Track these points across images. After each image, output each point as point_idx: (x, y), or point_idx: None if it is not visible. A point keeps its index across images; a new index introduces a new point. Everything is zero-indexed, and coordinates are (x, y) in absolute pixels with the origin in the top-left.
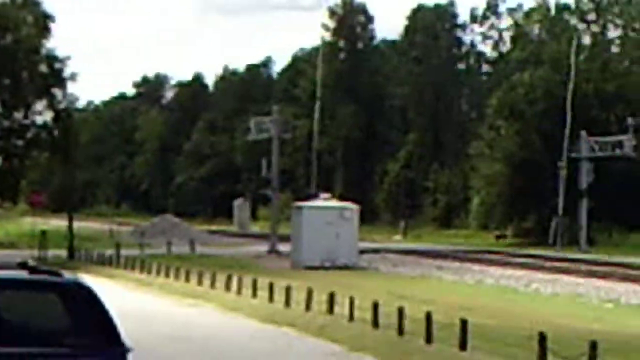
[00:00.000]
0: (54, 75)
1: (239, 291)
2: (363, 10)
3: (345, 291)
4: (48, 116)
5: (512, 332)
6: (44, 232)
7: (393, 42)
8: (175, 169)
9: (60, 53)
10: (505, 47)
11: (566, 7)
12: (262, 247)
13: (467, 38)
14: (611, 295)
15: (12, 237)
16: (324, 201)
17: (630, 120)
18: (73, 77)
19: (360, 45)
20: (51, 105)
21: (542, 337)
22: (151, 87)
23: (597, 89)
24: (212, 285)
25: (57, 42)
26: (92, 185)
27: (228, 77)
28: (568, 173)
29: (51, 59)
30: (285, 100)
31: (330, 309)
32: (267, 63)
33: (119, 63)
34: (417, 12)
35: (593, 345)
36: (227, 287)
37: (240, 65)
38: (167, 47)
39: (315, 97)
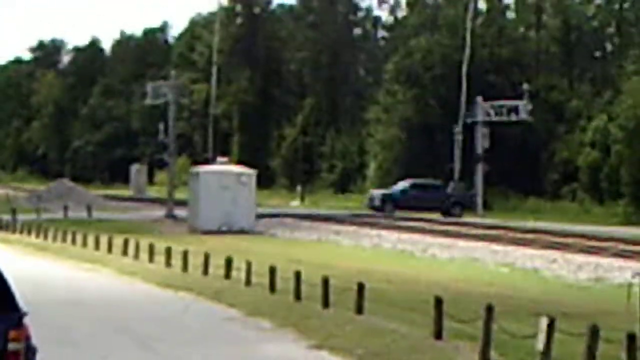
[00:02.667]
0: None
1: (136, 256)
2: None
3: (242, 256)
4: None
5: (408, 297)
6: None
7: (290, 7)
8: (72, 134)
9: None
10: (402, 12)
11: None
12: (159, 212)
13: (363, 3)
14: (506, 260)
15: None
16: (221, 166)
17: (525, 86)
18: None
19: (257, 10)
20: None
21: (439, 301)
22: (47, 51)
23: (493, 54)
24: (109, 250)
25: None
26: None
27: (125, 42)
28: (464, 138)
29: None
30: (183, 65)
31: (227, 274)
32: (164, 28)
33: (14, 27)
34: None
35: (489, 309)
36: (124, 252)
37: (137, 30)
38: (63, 11)
39: (212, 62)
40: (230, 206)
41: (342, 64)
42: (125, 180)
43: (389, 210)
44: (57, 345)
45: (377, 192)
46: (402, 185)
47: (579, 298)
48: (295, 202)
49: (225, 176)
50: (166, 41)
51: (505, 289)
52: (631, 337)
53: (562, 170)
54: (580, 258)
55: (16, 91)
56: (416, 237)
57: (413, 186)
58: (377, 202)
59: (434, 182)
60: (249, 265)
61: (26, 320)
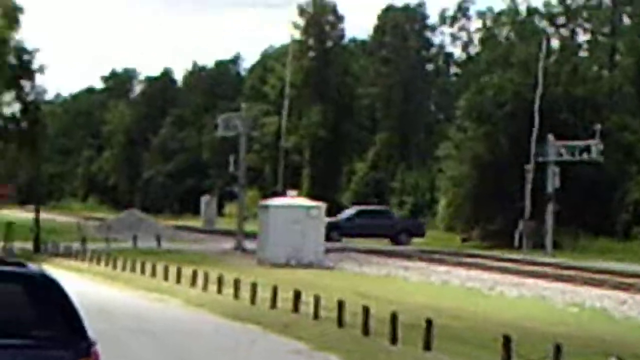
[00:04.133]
0: (23, 67)
1: (204, 287)
2: (333, 9)
3: (311, 289)
4: (16, 108)
5: (477, 334)
6: (10, 224)
7: (362, 41)
8: (143, 164)
9: (29, 45)
10: (475, 49)
11: (536, 11)
12: (229, 244)
13: (436, 39)
14: (576, 299)
15: None
16: (291, 199)
17: (598, 125)
18: (42, 69)
19: (329, 44)
20: (19, 97)
21: (507, 340)
22: (120, 81)
23: (566, 92)
24: (178, 280)
25: (26, 34)
26: (59, 178)
27: (197, 73)
28: (535, 176)
29: (20, 50)
30: (254, 98)
31: (296, 307)
32: (236, 60)
33: (88, 56)
34: (387, 12)
35: (557, 348)
36: (193, 283)
37: (209, 61)
38: (136, 41)
39: (284, 95)
40: (300, 239)
41: (414, 99)
42: (195, 211)
43: (335, 238)
44: None
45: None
46: (348, 212)
47: None
48: None
49: (294, 210)
50: (238, 73)
51: (573, 329)
52: None
53: (634, 210)
54: None
55: (88, 120)
56: (485, 274)
57: (359, 213)
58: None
59: (381, 208)
60: (317, 299)
61: (95, 349)
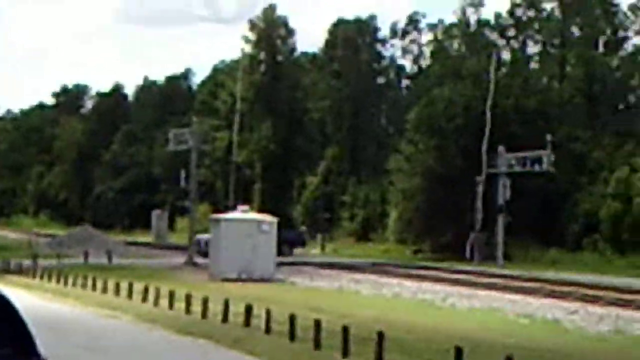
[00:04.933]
0: None
1: (156, 302)
2: (284, 23)
3: (262, 303)
4: None
5: (428, 346)
6: None
7: (313, 55)
8: (94, 179)
9: None
10: (426, 61)
11: (486, 23)
12: (180, 259)
13: (387, 52)
14: (527, 310)
15: None
16: (242, 213)
17: (548, 136)
18: None
19: (280, 58)
20: None
21: (459, 351)
22: (71, 96)
23: (517, 104)
24: (129, 296)
25: None
26: (9, 194)
27: (148, 88)
28: (486, 188)
29: None
30: (205, 112)
31: (247, 321)
32: (187, 74)
33: (38, 72)
34: (338, 25)
35: None
36: (144, 298)
37: (160, 77)
38: (87, 57)
39: (235, 109)
40: (251, 254)
41: (365, 113)
42: (146, 226)
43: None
44: None
45: (204, 237)
46: None
47: (599, 350)
48: (316, 251)
49: (246, 224)
50: (189, 88)
51: (525, 340)
52: None
53: (584, 221)
54: (601, 310)
55: (39, 136)
56: (436, 286)
57: None
58: (203, 247)
59: None
60: (268, 313)
61: None
